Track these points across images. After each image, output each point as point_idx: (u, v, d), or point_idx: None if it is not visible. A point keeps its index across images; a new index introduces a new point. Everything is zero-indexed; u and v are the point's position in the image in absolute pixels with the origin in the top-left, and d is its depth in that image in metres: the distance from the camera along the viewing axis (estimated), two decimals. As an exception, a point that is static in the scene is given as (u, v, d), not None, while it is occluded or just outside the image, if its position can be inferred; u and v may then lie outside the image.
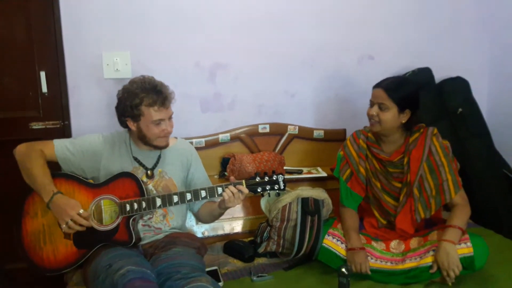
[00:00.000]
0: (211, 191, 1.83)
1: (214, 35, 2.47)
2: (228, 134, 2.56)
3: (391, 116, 1.93)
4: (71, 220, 1.75)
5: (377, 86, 1.98)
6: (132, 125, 1.89)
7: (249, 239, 2.27)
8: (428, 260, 1.85)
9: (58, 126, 2.38)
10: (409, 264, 1.88)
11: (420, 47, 2.78)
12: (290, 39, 2.58)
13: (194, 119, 2.52)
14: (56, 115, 2.37)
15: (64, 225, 1.77)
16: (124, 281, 1.54)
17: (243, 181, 1.83)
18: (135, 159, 1.96)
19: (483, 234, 2.14)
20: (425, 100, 2.60)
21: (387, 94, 1.92)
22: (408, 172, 1.97)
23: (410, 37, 2.75)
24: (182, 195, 1.83)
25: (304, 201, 2.06)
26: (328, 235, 2.01)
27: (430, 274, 1.84)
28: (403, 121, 1.96)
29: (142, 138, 1.91)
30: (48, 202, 1.78)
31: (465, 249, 1.82)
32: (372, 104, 1.98)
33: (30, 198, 1.87)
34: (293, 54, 2.61)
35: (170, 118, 1.91)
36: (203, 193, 1.83)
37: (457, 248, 1.81)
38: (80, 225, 1.77)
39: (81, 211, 1.77)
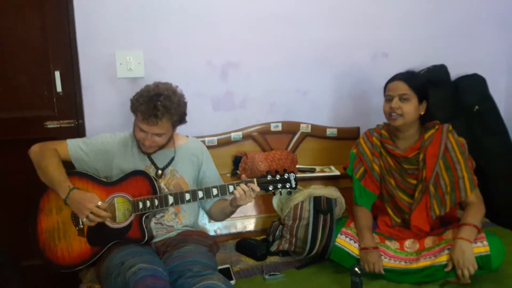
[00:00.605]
0: (223, 189, 1.83)
1: (226, 34, 2.46)
2: (240, 133, 2.55)
3: (413, 107, 1.92)
4: (91, 213, 1.76)
5: (393, 79, 1.97)
6: None
7: (262, 237, 2.27)
8: (443, 258, 1.82)
9: (73, 125, 2.40)
10: (423, 263, 1.86)
11: (435, 44, 2.73)
12: (303, 36, 2.56)
13: (206, 117, 2.52)
14: (70, 114, 2.39)
15: (84, 219, 1.78)
16: (135, 278, 1.54)
17: (255, 179, 1.83)
18: (148, 157, 1.96)
19: (500, 233, 2.09)
20: (441, 97, 2.59)
21: (407, 84, 1.91)
22: (423, 168, 1.94)
23: (424, 34, 2.71)
24: (194, 193, 1.83)
25: (317, 199, 2.04)
26: (341, 234, 1.99)
27: (444, 273, 1.81)
28: (422, 113, 1.95)
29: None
30: (65, 198, 1.80)
31: (481, 248, 1.79)
32: (391, 98, 1.95)
33: (45, 195, 1.90)
34: (306, 51, 2.59)
35: (156, 134, 1.83)
36: (215, 191, 1.83)
37: (473, 247, 1.78)
38: (100, 216, 1.78)
39: (99, 203, 1.78)
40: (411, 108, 1.91)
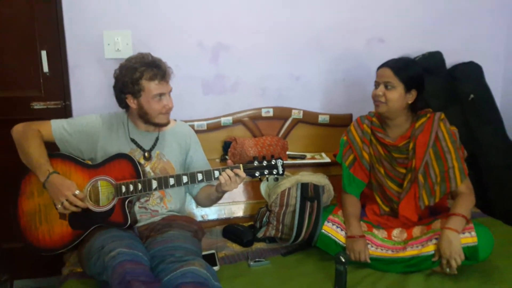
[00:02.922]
0: (208, 175, 1.79)
1: (217, 15, 2.40)
2: (230, 118, 2.51)
3: (398, 95, 1.87)
4: (66, 200, 1.73)
5: (382, 66, 1.94)
6: (132, 103, 1.86)
7: (249, 223, 2.24)
8: (430, 248, 1.80)
9: (59, 106, 2.36)
10: (410, 252, 1.83)
11: (432, 30, 2.66)
12: (297, 19, 2.50)
13: (196, 101, 2.48)
14: (57, 95, 2.35)
15: (59, 206, 1.75)
16: (114, 263, 1.52)
17: (241, 165, 1.79)
18: (133, 140, 1.93)
19: (491, 224, 2.06)
20: (435, 85, 2.54)
21: (393, 72, 1.87)
22: (413, 157, 1.90)
23: (421, 20, 2.64)
24: (178, 178, 1.80)
25: (304, 186, 2.01)
26: (328, 222, 1.96)
27: (431, 263, 1.79)
28: (410, 102, 1.90)
29: (143, 116, 1.88)
30: (44, 182, 1.76)
31: (469, 238, 1.76)
32: (377, 84, 1.93)
33: (27, 177, 1.86)
34: (299, 35, 2.53)
35: (170, 92, 1.89)
36: (200, 176, 1.79)
37: (461, 237, 1.75)
38: (76, 206, 1.75)
39: (77, 192, 1.75)
40: (395, 96, 1.87)
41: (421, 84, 1.92)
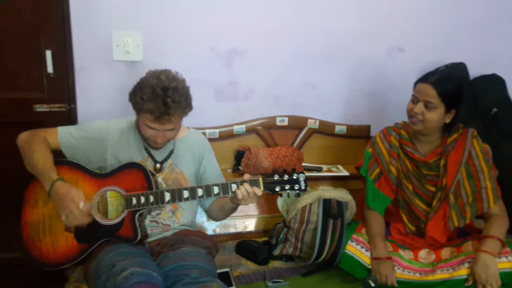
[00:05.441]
0: (225, 188, 1.67)
1: (232, 18, 2.29)
2: (243, 126, 2.39)
3: (438, 116, 1.76)
4: (72, 213, 1.60)
5: (423, 80, 1.79)
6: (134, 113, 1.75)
7: (263, 239, 2.12)
8: (462, 272, 1.69)
9: (64, 109, 2.23)
10: (440, 275, 1.73)
11: (453, 40, 2.57)
12: (314, 25, 2.39)
13: (207, 108, 2.35)
14: (61, 98, 2.22)
15: (63, 217, 1.62)
16: (127, 285, 1.39)
17: (260, 178, 1.67)
18: (145, 149, 1.80)
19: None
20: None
21: (437, 92, 1.73)
22: (444, 175, 1.80)
23: (442, 29, 2.55)
24: (193, 191, 1.67)
25: (326, 202, 1.90)
26: (352, 241, 1.85)
27: (464, 288, 1.68)
28: (447, 121, 1.79)
29: (138, 129, 1.77)
30: (49, 191, 1.63)
31: (506, 263, 1.67)
32: (416, 100, 1.79)
33: (31, 185, 1.74)
34: (316, 42, 2.42)
35: (168, 130, 1.69)
36: (216, 190, 1.67)
37: (497, 262, 1.65)
38: (81, 220, 1.62)
39: (81, 204, 1.59)
40: (434, 117, 1.76)
41: (460, 101, 1.80)
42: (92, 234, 1.67)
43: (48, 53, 2.15)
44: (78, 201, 1.59)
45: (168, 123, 1.65)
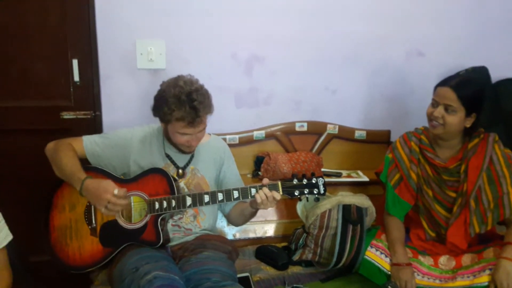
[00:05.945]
0: (244, 192, 1.70)
1: (252, 26, 2.32)
2: (263, 132, 2.42)
3: (458, 120, 1.75)
4: (109, 203, 1.63)
5: (443, 84, 1.79)
6: (161, 124, 1.80)
7: (282, 244, 2.14)
8: (483, 279, 1.67)
9: (89, 116, 2.29)
10: (461, 282, 1.71)
11: (474, 44, 2.56)
12: (333, 31, 2.41)
13: (228, 114, 2.39)
14: (87, 105, 2.29)
15: (103, 209, 1.66)
16: (150, 288, 1.43)
17: (279, 182, 1.70)
18: (167, 156, 1.85)
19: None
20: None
21: (457, 95, 1.73)
22: (465, 181, 1.78)
23: (462, 33, 2.54)
24: (213, 195, 1.71)
25: (346, 208, 1.90)
26: (371, 247, 1.85)
27: (485, 295, 1.66)
28: (468, 126, 1.78)
29: (168, 139, 1.82)
30: (80, 190, 1.68)
31: (528, 271, 1.63)
32: (436, 104, 1.79)
33: (59, 191, 1.81)
34: (336, 47, 2.44)
35: (200, 132, 1.76)
36: (236, 194, 1.71)
37: (519, 269, 1.63)
38: (120, 205, 1.66)
39: (116, 191, 1.64)
40: (455, 121, 1.75)
41: (481, 106, 1.79)
42: (116, 238, 1.73)
43: (75, 62, 2.22)
44: (112, 189, 1.64)
45: (200, 124, 1.72)
